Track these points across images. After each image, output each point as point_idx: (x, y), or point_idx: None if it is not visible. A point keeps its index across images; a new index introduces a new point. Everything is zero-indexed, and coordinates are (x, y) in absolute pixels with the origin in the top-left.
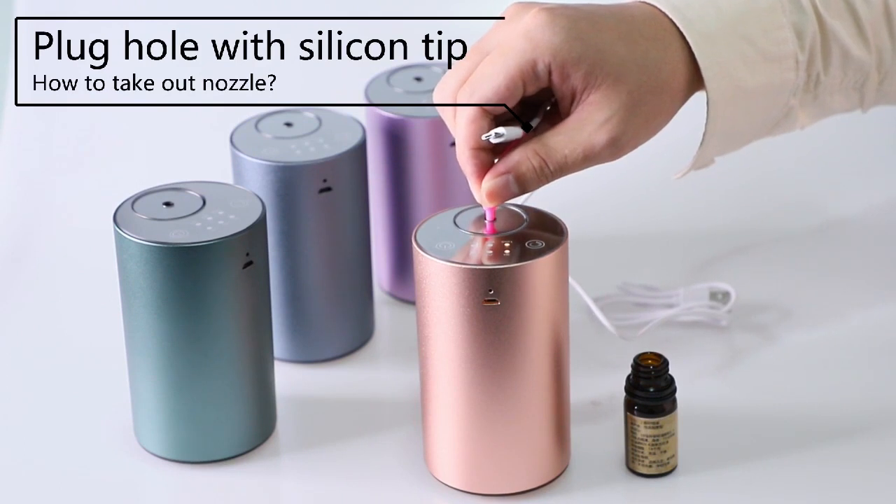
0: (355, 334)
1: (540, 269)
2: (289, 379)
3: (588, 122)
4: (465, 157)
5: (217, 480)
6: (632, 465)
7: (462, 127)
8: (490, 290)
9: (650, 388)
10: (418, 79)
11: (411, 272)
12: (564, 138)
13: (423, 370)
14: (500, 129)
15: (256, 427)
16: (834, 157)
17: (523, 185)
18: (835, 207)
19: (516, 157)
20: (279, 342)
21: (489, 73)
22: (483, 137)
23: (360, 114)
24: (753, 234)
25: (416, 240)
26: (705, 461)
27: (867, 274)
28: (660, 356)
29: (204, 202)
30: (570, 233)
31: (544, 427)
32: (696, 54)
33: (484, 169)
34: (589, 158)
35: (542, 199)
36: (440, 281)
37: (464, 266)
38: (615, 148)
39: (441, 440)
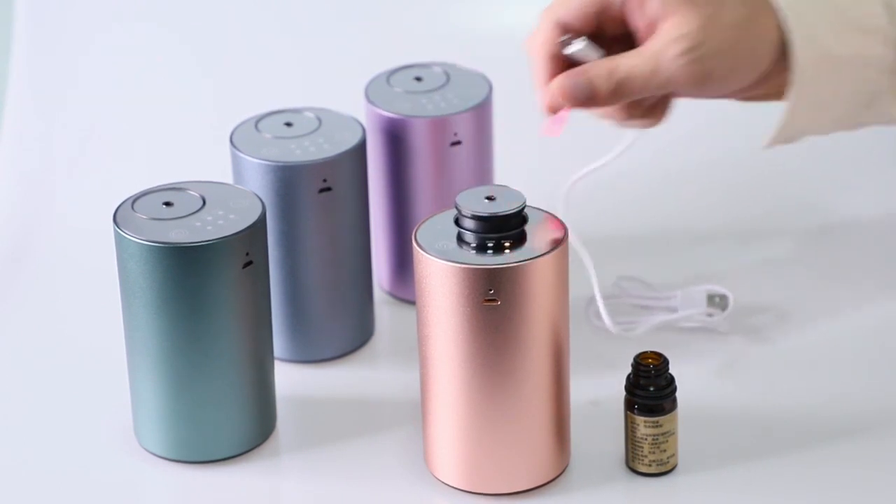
0: (355, 334)
1: (540, 269)
2: (289, 379)
3: (660, 38)
4: (539, 62)
5: (217, 480)
6: (632, 464)
7: (541, 32)
8: (490, 290)
9: (650, 388)
10: (418, 79)
11: (411, 272)
12: (635, 53)
13: (423, 370)
14: (581, 41)
15: (256, 427)
16: (835, 158)
17: (593, 90)
18: (835, 208)
19: (587, 66)
20: (279, 342)
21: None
22: (562, 38)
23: (360, 114)
24: (753, 234)
25: (416, 239)
26: (705, 461)
27: (867, 274)
28: (660, 355)
29: (204, 202)
30: (570, 233)
31: (544, 426)
32: (781, 17)
33: (552, 77)
34: (658, 72)
35: (542, 199)
36: (440, 280)
37: (464, 265)
38: (691, 66)
39: (441, 440)
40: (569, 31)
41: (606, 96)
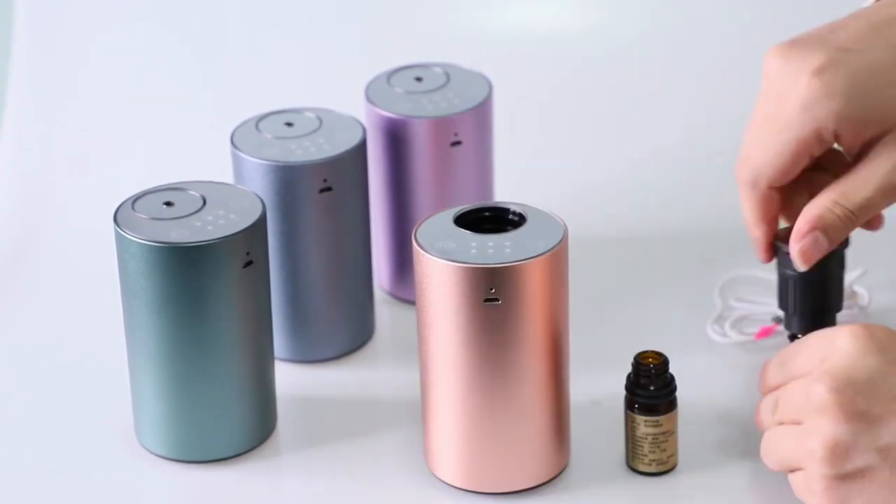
0: (355, 334)
1: (541, 268)
2: (289, 379)
3: (883, 160)
4: (757, 230)
5: (217, 480)
6: (632, 463)
7: (750, 207)
8: (491, 289)
9: (650, 387)
10: (418, 79)
11: (411, 272)
12: (861, 181)
13: (423, 370)
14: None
15: (256, 427)
16: None
17: (831, 237)
18: None
19: (816, 210)
20: (279, 342)
21: (771, 152)
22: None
23: (361, 114)
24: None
25: (416, 239)
26: (705, 460)
27: (868, 274)
28: (660, 354)
29: (204, 202)
30: (570, 233)
31: (544, 425)
32: None
33: (768, 241)
34: (888, 192)
35: (542, 199)
36: (440, 280)
37: (464, 265)
38: None
39: (441, 439)
40: (779, 188)
41: (844, 236)
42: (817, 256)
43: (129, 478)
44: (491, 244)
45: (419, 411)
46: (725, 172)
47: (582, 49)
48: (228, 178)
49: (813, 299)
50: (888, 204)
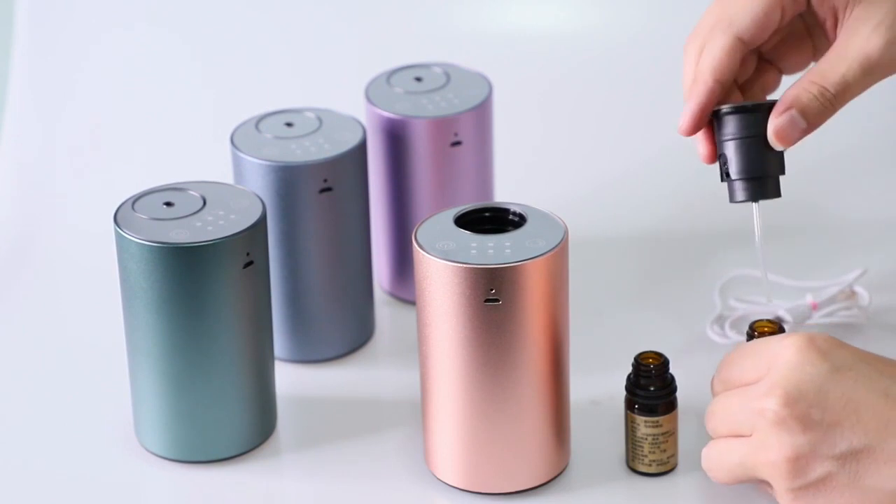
0: (355, 334)
1: (541, 268)
2: (289, 379)
3: (857, 33)
4: (702, 86)
5: (217, 480)
6: (632, 463)
7: (714, 54)
8: (491, 289)
9: (650, 387)
10: (418, 79)
11: (411, 272)
12: (837, 58)
13: (423, 370)
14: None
15: (256, 427)
16: (835, 158)
17: (809, 118)
18: (836, 207)
19: (793, 91)
20: (279, 342)
21: (745, 2)
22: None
23: (361, 114)
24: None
25: (416, 239)
26: None
27: (868, 274)
28: (660, 355)
29: (204, 202)
30: (570, 233)
31: (544, 426)
32: None
33: (711, 103)
34: (868, 70)
35: (542, 199)
36: (441, 280)
37: (464, 265)
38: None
39: (441, 439)
40: (747, 45)
41: (823, 119)
42: (794, 136)
43: (129, 478)
44: (491, 244)
45: (419, 411)
46: None
47: (582, 49)
48: (228, 178)
49: (753, 164)
50: (870, 81)
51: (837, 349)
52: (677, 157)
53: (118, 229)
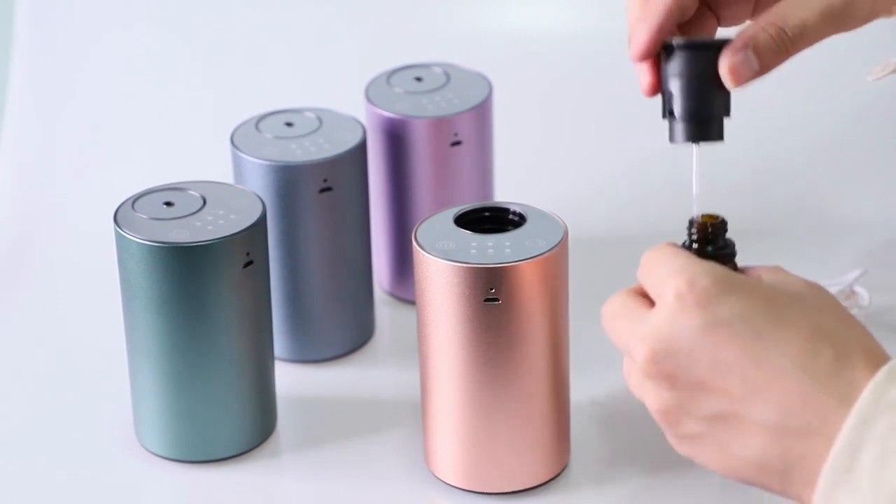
0: (355, 334)
1: (541, 268)
2: (289, 379)
3: None
4: (660, 5)
5: (217, 480)
6: None
7: (660, 3)
8: (491, 289)
9: (708, 248)
10: (418, 79)
11: (411, 272)
12: (798, 2)
13: (423, 369)
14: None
15: (256, 427)
16: (835, 158)
17: (763, 58)
18: (835, 207)
19: (750, 31)
20: (279, 342)
21: None
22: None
23: (361, 114)
24: (754, 234)
25: (416, 239)
26: None
27: (868, 274)
28: (717, 216)
29: (204, 202)
30: (570, 233)
31: (544, 425)
32: None
33: (669, 25)
34: (829, 18)
35: (542, 199)
36: (441, 280)
37: (464, 265)
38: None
39: (442, 439)
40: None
41: (778, 61)
42: (747, 76)
43: (129, 478)
44: (491, 244)
45: (419, 411)
46: (725, 173)
47: (582, 49)
48: (228, 178)
49: (701, 104)
50: (829, 30)
51: (720, 298)
52: (677, 156)
53: (118, 229)
